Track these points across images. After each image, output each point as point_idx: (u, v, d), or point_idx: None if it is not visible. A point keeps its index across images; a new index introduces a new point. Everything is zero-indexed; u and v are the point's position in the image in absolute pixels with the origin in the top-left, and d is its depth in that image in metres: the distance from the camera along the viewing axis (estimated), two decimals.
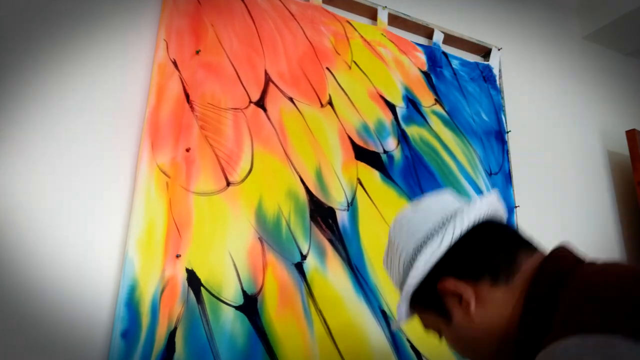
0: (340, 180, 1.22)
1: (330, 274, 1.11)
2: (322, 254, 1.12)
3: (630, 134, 1.79)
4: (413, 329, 1.17)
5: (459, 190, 1.41)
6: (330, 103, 1.28)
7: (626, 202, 1.87)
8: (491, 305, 0.57)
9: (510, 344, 0.55)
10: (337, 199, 1.19)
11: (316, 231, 1.14)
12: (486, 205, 0.63)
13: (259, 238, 1.06)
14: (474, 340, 0.59)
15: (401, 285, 0.65)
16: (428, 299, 0.62)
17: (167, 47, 1.10)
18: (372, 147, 1.30)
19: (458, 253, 0.60)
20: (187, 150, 1.05)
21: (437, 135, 1.43)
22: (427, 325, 0.67)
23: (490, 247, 0.60)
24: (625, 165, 1.90)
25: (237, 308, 0.99)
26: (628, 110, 2.09)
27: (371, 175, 1.27)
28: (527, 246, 0.60)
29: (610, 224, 1.79)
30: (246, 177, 1.10)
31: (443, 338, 0.65)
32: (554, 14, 2.02)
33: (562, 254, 0.56)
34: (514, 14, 1.88)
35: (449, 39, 1.58)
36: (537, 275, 0.54)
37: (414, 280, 0.61)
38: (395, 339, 1.14)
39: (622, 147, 1.88)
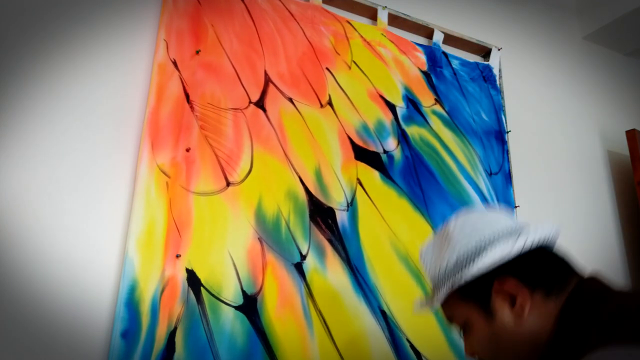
0: (340, 180, 1.22)
1: (329, 274, 1.12)
2: (321, 254, 1.12)
3: (630, 134, 1.79)
4: (413, 329, 1.17)
5: (459, 191, 1.41)
6: (330, 103, 1.28)
7: (626, 202, 1.87)
8: (538, 315, 0.61)
9: (545, 355, 0.58)
10: (336, 199, 1.19)
11: (316, 231, 1.14)
12: (553, 230, 0.67)
13: (258, 238, 1.06)
14: (512, 343, 0.62)
15: (450, 273, 0.66)
16: (477, 292, 0.65)
17: (167, 47, 1.10)
18: (372, 147, 1.30)
19: (524, 260, 0.64)
20: (187, 150, 1.05)
21: (437, 135, 1.43)
22: (454, 318, 0.69)
23: (553, 264, 0.65)
24: (625, 165, 1.90)
25: (237, 308, 0.99)
26: (628, 110, 2.09)
27: (371, 175, 1.27)
28: (576, 272, 0.65)
29: (610, 223, 1.79)
30: (246, 177, 1.10)
31: (466, 334, 0.67)
32: (554, 14, 2.02)
33: (597, 278, 0.62)
34: (514, 14, 1.88)
35: (449, 39, 1.58)
36: (577, 292, 0.60)
37: (475, 271, 0.63)
38: (395, 339, 1.14)
39: (622, 147, 1.88)
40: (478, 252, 0.65)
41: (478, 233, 0.67)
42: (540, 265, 0.64)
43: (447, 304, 0.69)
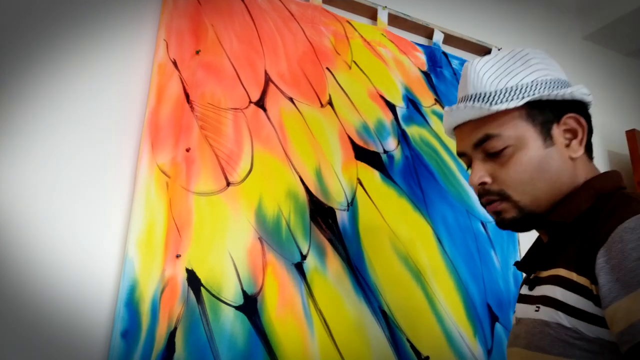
0: (340, 180, 1.22)
1: (330, 274, 1.11)
2: (322, 254, 1.12)
3: (630, 134, 1.79)
4: (413, 329, 1.17)
5: (459, 191, 1.41)
6: (330, 103, 1.28)
7: None
8: (584, 162, 0.68)
9: (577, 198, 0.64)
10: (337, 199, 1.19)
11: (316, 231, 1.14)
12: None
13: (258, 238, 1.06)
14: (558, 172, 0.65)
15: (524, 89, 0.66)
16: (546, 116, 0.67)
17: (167, 47, 1.10)
18: (372, 147, 1.30)
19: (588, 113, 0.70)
20: (187, 150, 1.05)
21: (437, 135, 1.43)
22: (500, 137, 0.66)
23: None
24: (625, 165, 1.90)
25: (237, 308, 0.99)
26: (628, 110, 2.09)
27: (371, 175, 1.27)
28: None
29: None
30: (246, 177, 1.10)
31: (500, 157, 0.67)
32: (554, 14, 2.02)
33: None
34: (514, 14, 1.88)
35: (449, 39, 1.58)
36: (611, 175, 0.68)
37: (555, 95, 0.65)
38: (395, 338, 1.14)
39: (622, 147, 1.88)
40: (560, 83, 0.67)
41: (559, 71, 0.69)
42: (591, 126, 0.70)
43: (496, 120, 0.67)
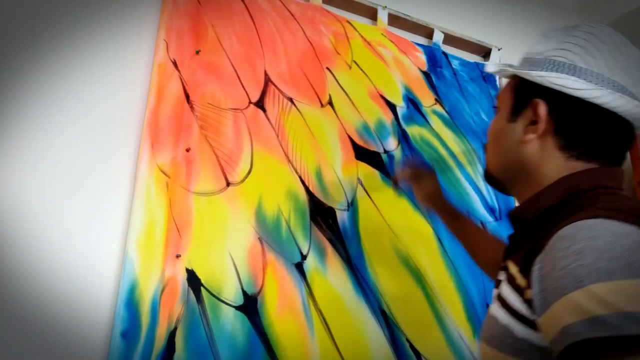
0: (341, 180, 1.22)
1: (330, 274, 1.11)
2: (322, 254, 1.12)
3: None
4: (413, 329, 1.17)
5: (460, 191, 1.41)
6: (330, 103, 1.28)
7: None
8: (541, 152, 0.65)
9: (541, 193, 0.63)
10: (337, 199, 1.19)
11: (316, 231, 1.14)
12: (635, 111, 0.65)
13: (258, 238, 1.06)
14: (505, 145, 0.68)
15: (534, 63, 0.68)
16: (528, 93, 0.66)
17: (167, 48, 1.10)
18: (372, 147, 1.30)
19: (580, 108, 0.62)
20: (187, 150, 1.05)
21: (438, 135, 1.43)
22: (499, 96, 0.74)
23: (605, 133, 0.64)
24: (625, 165, 1.89)
25: (237, 308, 0.99)
26: None
27: (371, 175, 1.27)
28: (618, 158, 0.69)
29: None
30: (246, 177, 1.10)
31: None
32: (554, 14, 2.02)
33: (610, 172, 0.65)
34: (514, 14, 1.87)
35: (449, 39, 1.58)
36: (603, 170, 0.63)
37: (538, 77, 0.63)
38: (395, 338, 1.14)
39: None
40: (566, 64, 0.63)
41: (590, 55, 0.62)
42: (595, 126, 0.62)
43: (507, 85, 0.72)
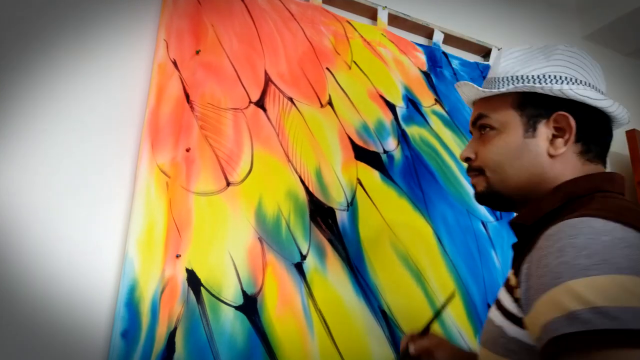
0: (340, 180, 1.22)
1: (330, 274, 1.11)
2: (321, 254, 1.12)
3: (630, 134, 1.79)
4: (413, 329, 1.17)
5: (459, 191, 1.41)
6: (330, 103, 1.28)
7: None
8: (564, 162, 0.66)
9: (542, 197, 0.65)
10: (336, 199, 1.19)
11: (316, 231, 1.14)
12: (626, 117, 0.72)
13: (258, 238, 1.06)
14: (529, 165, 0.67)
15: (526, 79, 0.69)
16: (535, 108, 0.67)
17: (167, 47, 1.10)
18: (372, 147, 1.30)
19: (595, 115, 0.67)
20: (187, 150, 1.05)
21: (437, 135, 1.43)
22: (488, 118, 0.71)
23: (603, 133, 0.69)
24: (625, 165, 1.90)
25: (237, 308, 0.99)
26: (628, 110, 2.09)
27: (371, 175, 1.27)
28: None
29: None
30: (246, 177, 1.10)
31: (483, 138, 0.72)
32: (554, 14, 2.02)
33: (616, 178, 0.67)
34: (514, 14, 1.88)
35: (449, 39, 1.58)
36: (609, 175, 0.65)
37: (553, 90, 0.65)
38: (395, 339, 1.14)
39: (622, 147, 1.88)
40: (570, 78, 0.67)
41: (584, 69, 0.68)
42: (603, 130, 0.68)
43: (492, 102, 0.71)
